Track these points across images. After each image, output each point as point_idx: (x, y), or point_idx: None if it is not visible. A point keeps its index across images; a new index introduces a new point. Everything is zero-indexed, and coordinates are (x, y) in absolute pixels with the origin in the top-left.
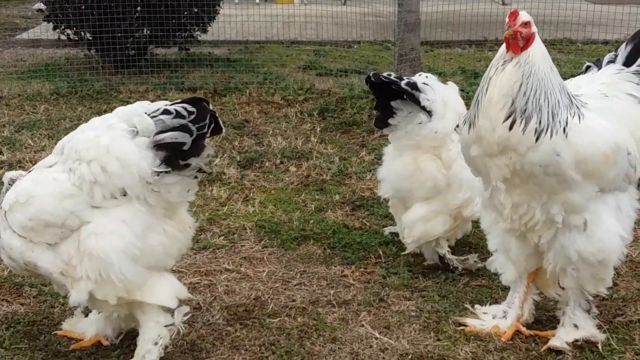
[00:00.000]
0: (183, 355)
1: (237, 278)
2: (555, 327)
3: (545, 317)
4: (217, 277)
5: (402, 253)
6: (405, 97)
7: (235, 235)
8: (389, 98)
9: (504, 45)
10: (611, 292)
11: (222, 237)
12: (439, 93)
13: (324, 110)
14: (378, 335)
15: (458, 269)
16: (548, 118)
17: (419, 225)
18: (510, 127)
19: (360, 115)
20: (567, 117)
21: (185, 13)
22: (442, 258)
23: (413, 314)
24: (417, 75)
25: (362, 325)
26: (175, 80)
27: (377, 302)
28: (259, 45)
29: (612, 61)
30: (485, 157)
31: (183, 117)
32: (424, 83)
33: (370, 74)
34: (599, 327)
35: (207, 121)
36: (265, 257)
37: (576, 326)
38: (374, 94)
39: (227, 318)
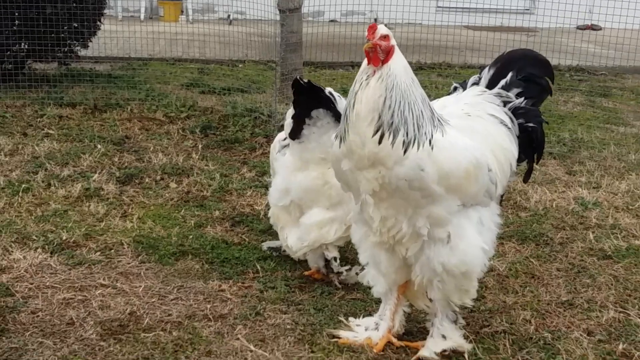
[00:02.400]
0: None
1: (113, 293)
2: (425, 338)
3: (416, 328)
4: (92, 292)
5: (293, 256)
6: (332, 105)
7: (112, 250)
8: (310, 107)
9: (365, 60)
10: (478, 304)
11: (98, 253)
12: None
13: (206, 128)
14: (253, 348)
15: (341, 275)
16: (414, 129)
17: (315, 230)
18: (380, 141)
19: (243, 132)
20: (431, 130)
21: (65, 27)
22: (327, 263)
23: (289, 327)
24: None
25: (238, 339)
26: (54, 96)
27: (254, 316)
28: (142, 62)
29: (476, 83)
30: (356, 171)
31: None
32: (338, 95)
33: (299, 77)
34: (466, 337)
35: None
36: (142, 273)
37: (444, 337)
38: (294, 103)
39: (101, 333)
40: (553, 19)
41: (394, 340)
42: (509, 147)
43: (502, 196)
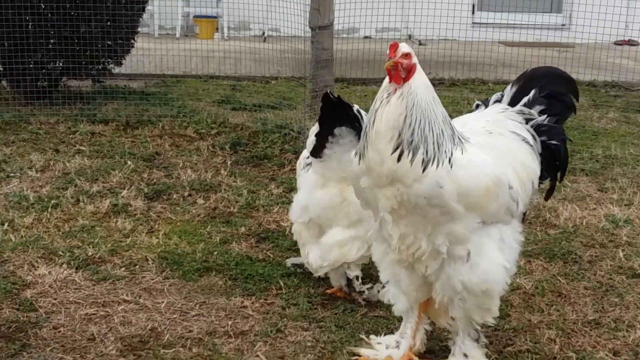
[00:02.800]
0: None
1: (135, 309)
2: (447, 357)
3: (439, 346)
4: (115, 308)
5: (314, 275)
6: (357, 124)
7: (137, 266)
8: (335, 124)
9: (387, 78)
10: (503, 323)
11: (123, 269)
12: None
13: (236, 144)
14: None
15: (363, 294)
16: (434, 148)
17: (336, 249)
18: (399, 159)
19: (272, 149)
20: (451, 148)
21: (99, 46)
22: (349, 282)
23: (309, 344)
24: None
25: (257, 356)
26: (87, 112)
27: (274, 333)
28: (176, 79)
29: (498, 100)
30: (375, 188)
31: None
32: (365, 114)
33: (329, 91)
34: (489, 356)
35: None
36: (165, 289)
37: (466, 355)
38: (319, 119)
39: (121, 349)
40: (589, 34)
41: (415, 358)
42: (531, 164)
43: (524, 214)
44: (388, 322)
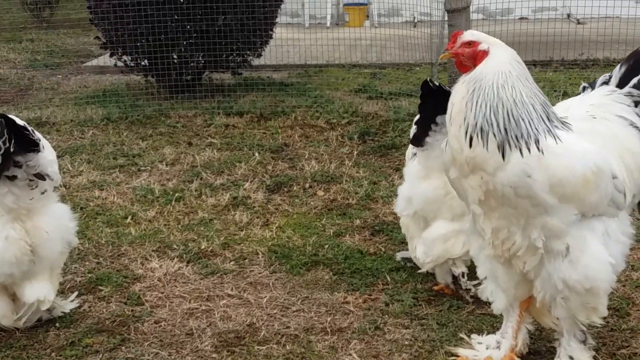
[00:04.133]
0: None
1: (237, 304)
2: (552, 359)
3: (545, 347)
4: (217, 302)
5: (418, 271)
6: None
7: (246, 260)
8: (436, 112)
9: None
10: (620, 322)
11: (232, 262)
12: None
13: (365, 134)
14: None
15: (470, 291)
16: (501, 132)
17: (439, 243)
18: (470, 144)
19: (401, 138)
20: (535, 135)
21: (238, 38)
22: (455, 279)
23: (407, 342)
24: None
25: (350, 354)
26: (224, 105)
27: (373, 330)
28: (319, 69)
29: (606, 82)
30: (462, 178)
31: None
32: None
33: (429, 79)
34: (601, 359)
35: (6, 136)
36: (271, 283)
37: (571, 358)
38: (420, 107)
39: (216, 345)
40: None
41: None
42: (639, 151)
43: (639, 203)
44: (494, 321)
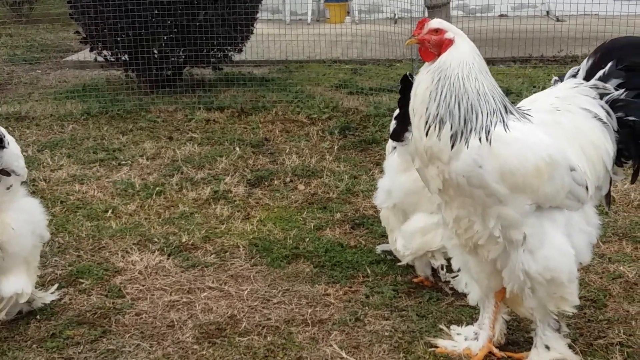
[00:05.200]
0: None
1: (218, 296)
2: (530, 349)
3: (524, 338)
4: (198, 295)
5: (398, 264)
6: None
7: (227, 253)
8: None
9: None
10: (597, 314)
11: (213, 255)
12: None
13: (345, 129)
14: (344, 355)
15: (449, 284)
16: (459, 124)
17: (418, 236)
18: (427, 134)
19: (381, 133)
20: (487, 125)
21: (220, 33)
22: (434, 271)
23: (386, 333)
24: None
25: (331, 345)
26: (205, 100)
27: (353, 322)
28: (299, 65)
29: (574, 75)
30: (424, 168)
31: None
32: None
33: (408, 73)
34: (574, 348)
35: None
36: (252, 275)
37: (547, 347)
38: (399, 101)
39: (197, 336)
40: None
41: (495, 350)
42: (602, 144)
43: (608, 195)
44: (473, 312)
